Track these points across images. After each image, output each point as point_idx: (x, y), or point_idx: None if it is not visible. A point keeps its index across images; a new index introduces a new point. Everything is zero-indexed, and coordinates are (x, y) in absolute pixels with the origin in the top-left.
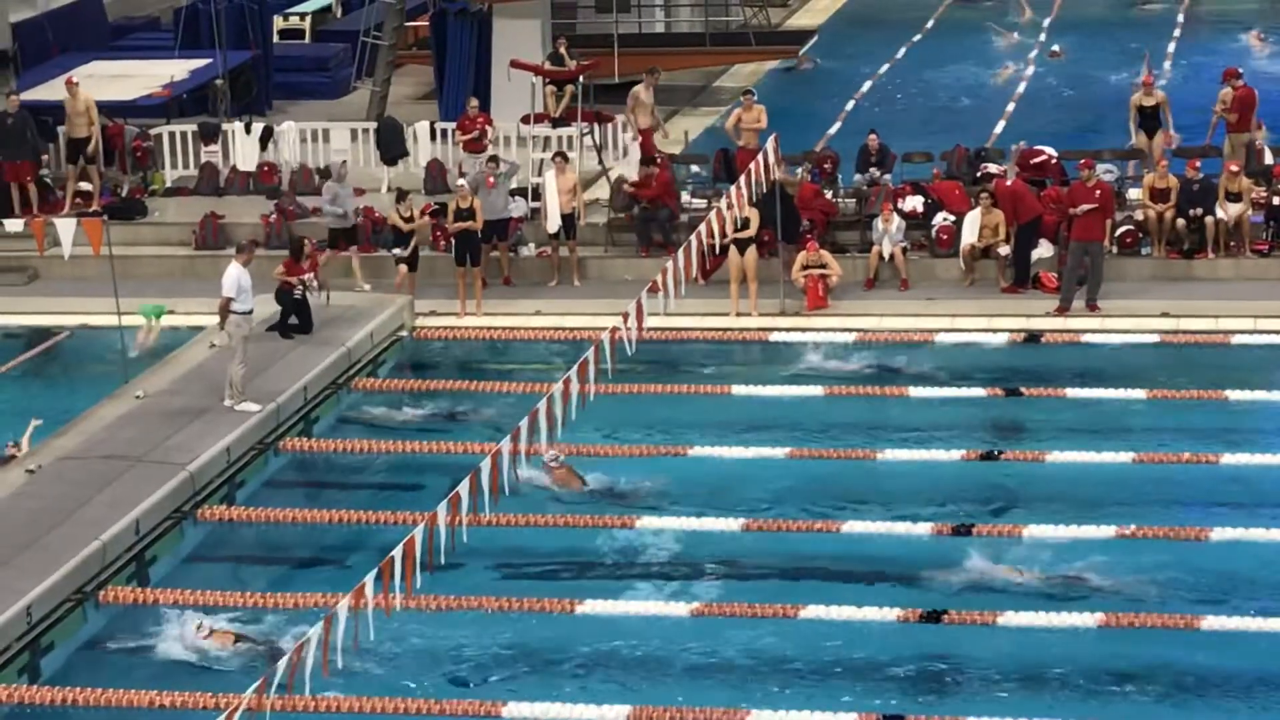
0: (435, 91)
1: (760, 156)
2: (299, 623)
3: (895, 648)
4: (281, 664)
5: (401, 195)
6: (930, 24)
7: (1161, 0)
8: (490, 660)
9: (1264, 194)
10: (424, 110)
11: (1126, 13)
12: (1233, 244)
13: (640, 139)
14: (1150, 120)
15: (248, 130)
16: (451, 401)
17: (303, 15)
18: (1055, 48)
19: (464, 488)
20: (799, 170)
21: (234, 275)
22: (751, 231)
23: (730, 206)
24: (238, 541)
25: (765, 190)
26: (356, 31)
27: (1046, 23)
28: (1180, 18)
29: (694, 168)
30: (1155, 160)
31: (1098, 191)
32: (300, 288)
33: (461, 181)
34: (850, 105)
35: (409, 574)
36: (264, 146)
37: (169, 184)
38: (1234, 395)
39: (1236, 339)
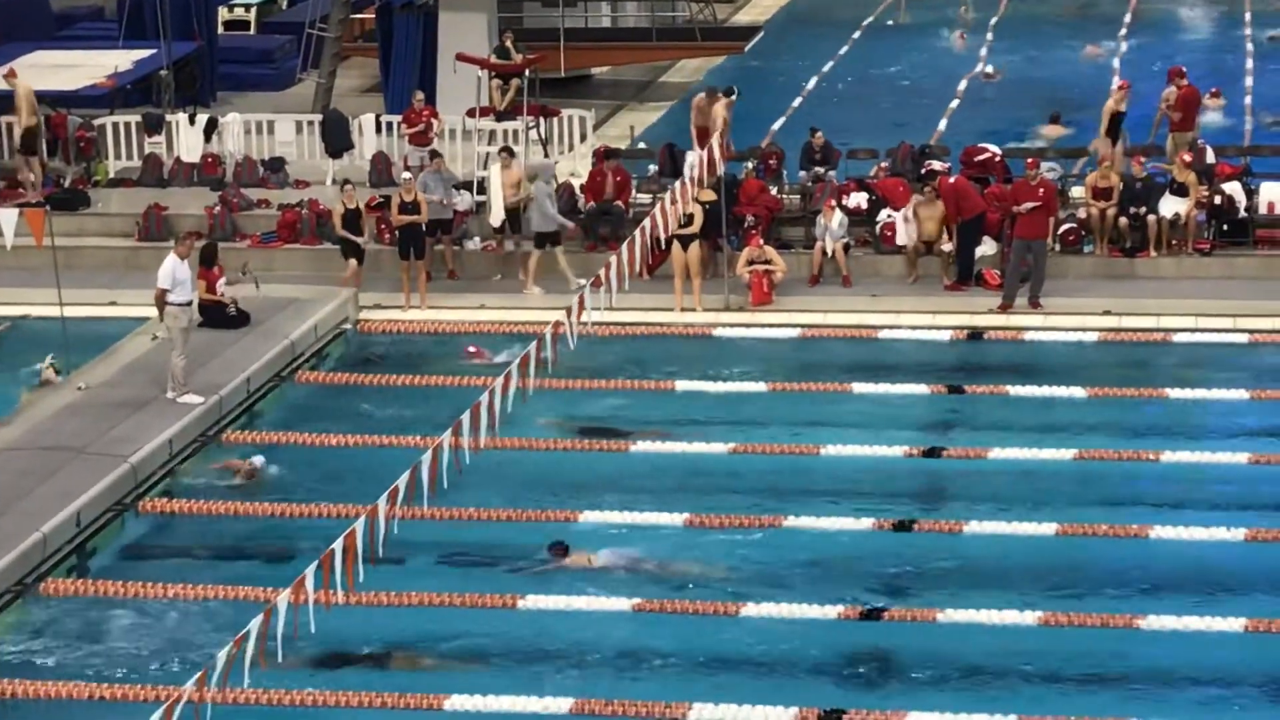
0: (381, 84)
1: (705, 152)
2: (239, 616)
3: (836, 644)
4: (221, 656)
5: (344, 185)
6: (871, 20)
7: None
8: (433, 654)
9: (1206, 193)
10: (369, 103)
11: (1078, 14)
12: (1175, 242)
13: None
14: (1117, 127)
15: (192, 121)
16: (394, 395)
17: (248, 6)
18: (989, 68)
19: (404, 481)
20: (746, 165)
21: (169, 267)
22: (696, 227)
23: (675, 202)
24: (179, 533)
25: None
26: (302, 23)
27: (993, 21)
28: (1128, 17)
29: (652, 166)
30: (1113, 165)
31: (1041, 189)
32: (232, 305)
33: (406, 174)
34: (796, 102)
35: (349, 567)
36: (208, 138)
37: (112, 175)
38: (1175, 393)
39: (1178, 337)
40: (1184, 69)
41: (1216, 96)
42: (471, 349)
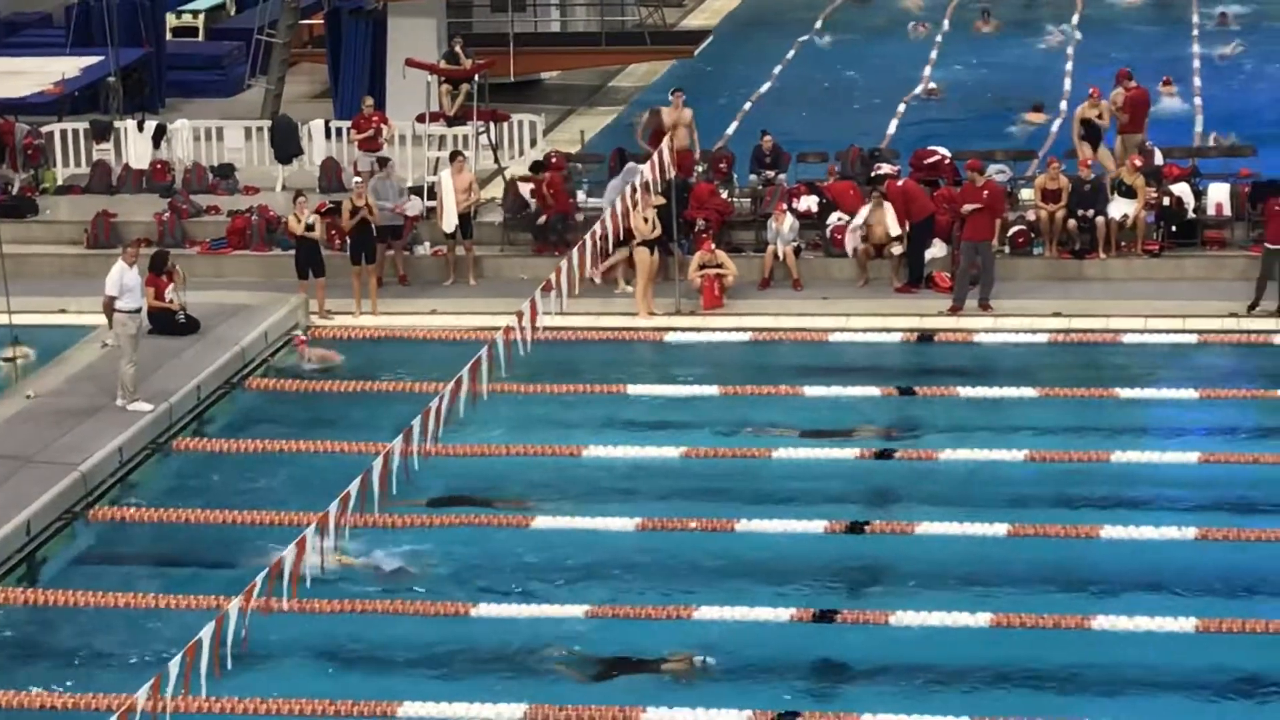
0: (330, 90)
1: (656, 156)
2: (191, 623)
3: (789, 647)
4: (173, 665)
5: (296, 197)
6: (820, 23)
7: None
8: (386, 661)
9: (1155, 194)
10: (319, 109)
11: (1024, 14)
12: (1124, 244)
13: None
14: (1094, 132)
15: (140, 128)
16: (345, 401)
17: (196, 13)
18: (933, 84)
19: (355, 487)
20: (697, 168)
21: (117, 274)
22: (658, 232)
23: (636, 206)
24: (129, 542)
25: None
26: (251, 29)
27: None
28: (1075, 19)
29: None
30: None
31: (985, 192)
32: (182, 313)
33: (357, 179)
34: (747, 106)
35: (295, 574)
36: (157, 144)
37: (60, 182)
38: (1125, 393)
39: (1127, 338)
40: (1130, 70)
41: (1169, 85)
42: (301, 336)
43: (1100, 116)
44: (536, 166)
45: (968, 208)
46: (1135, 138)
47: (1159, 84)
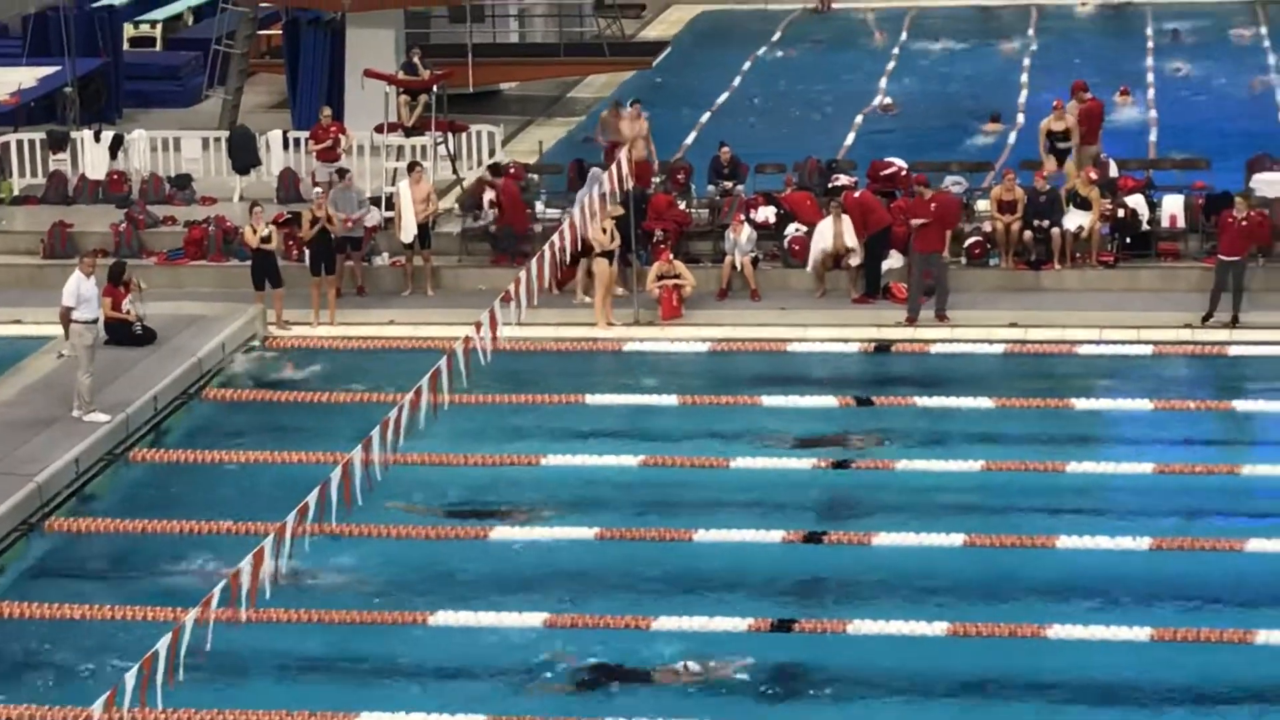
0: (288, 100)
1: (614, 167)
2: (146, 634)
3: (747, 657)
4: (130, 676)
5: (252, 208)
6: (778, 36)
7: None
8: (344, 671)
9: (1109, 206)
10: (277, 119)
11: (983, 25)
12: (1079, 256)
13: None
14: (1061, 144)
15: (97, 138)
16: (303, 411)
17: (154, 23)
18: (887, 100)
19: (313, 498)
20: (655, 179)
21: (74, 284)
22: (617, 243)
23: (594, 216)
24: (86, 553)
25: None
26: (208, 39)
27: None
28: (1031, 31)
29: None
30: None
31: (933, 204)
32: (139, 324)
33: (317, 190)
34: (705, 117)
35: (253, 586)
36: (114, 155)
37: (17, 192)
38: (1080, 404)
39: (1082, 349)
40: (1086, 83)
41: (1126, 94)
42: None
43: (1067, 130)
44: (495, 169)
45: (915, 222)
46: (1090, 150)
47: (1116, 94)
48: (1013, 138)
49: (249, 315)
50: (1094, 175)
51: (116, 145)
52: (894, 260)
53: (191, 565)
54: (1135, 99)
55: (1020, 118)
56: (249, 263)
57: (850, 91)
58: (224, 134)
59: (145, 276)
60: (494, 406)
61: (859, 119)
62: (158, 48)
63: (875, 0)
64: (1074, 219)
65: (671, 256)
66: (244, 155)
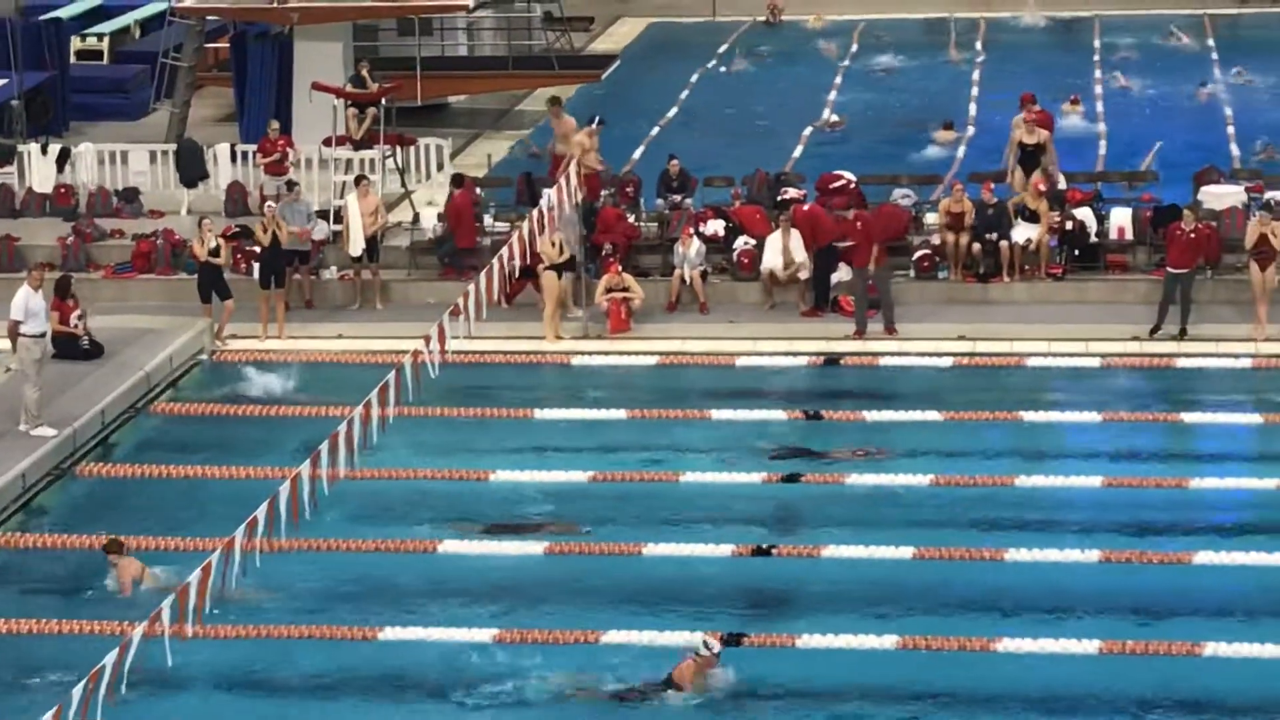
0: (236, 113)
1: (563, 180)
2: (94, 650)
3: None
4: (76, 692)
5: (200, 222)
6: (724, 48)
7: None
8: (291, 686)
9: (1058, 218)
10: (224, 132)
11: (937, 38)
12: (1027, 268)
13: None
14: (1030, 159)
15: (44, 151)
16: (252, 425)
17: (101, 36)
18: (835, 117)
19: (262, 512)
20: (602, 194)
21: (22, 298)
22: (566, 256)
23: (543, 231)
24: (33, 567)
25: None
26: (155, 53)
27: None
28: (979, 43)
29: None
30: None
31: (858, 224)
32: (86, 338)
33: (270, 204)
34: (654, 131)
35: (200, 600)
36: (61, 168)
37: None
38: (1029, 417)
39: (1031, 361)
40: (1034, 95)
41: (1076, 103)
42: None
43: (1039, 143)
44: (459, 179)
45: (843, 245)
46: (1011, 158)
47: (1065, 102)
48: (961, 151)
49: (197, 329)
50: (1042, 187)
51: (63, 158)
52: (843, 273)
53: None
54: (1084, 109)
55: (970, 130)
56: (196, 276)
57: (799, 104)
58: (171, 147)
59: (92, 290)
60: (443, 421)
61: (807, 132)
62: (105, 61)
63: (825, 13)
64: (1022, 231)
65: (620, 269)
66: (192, 168)
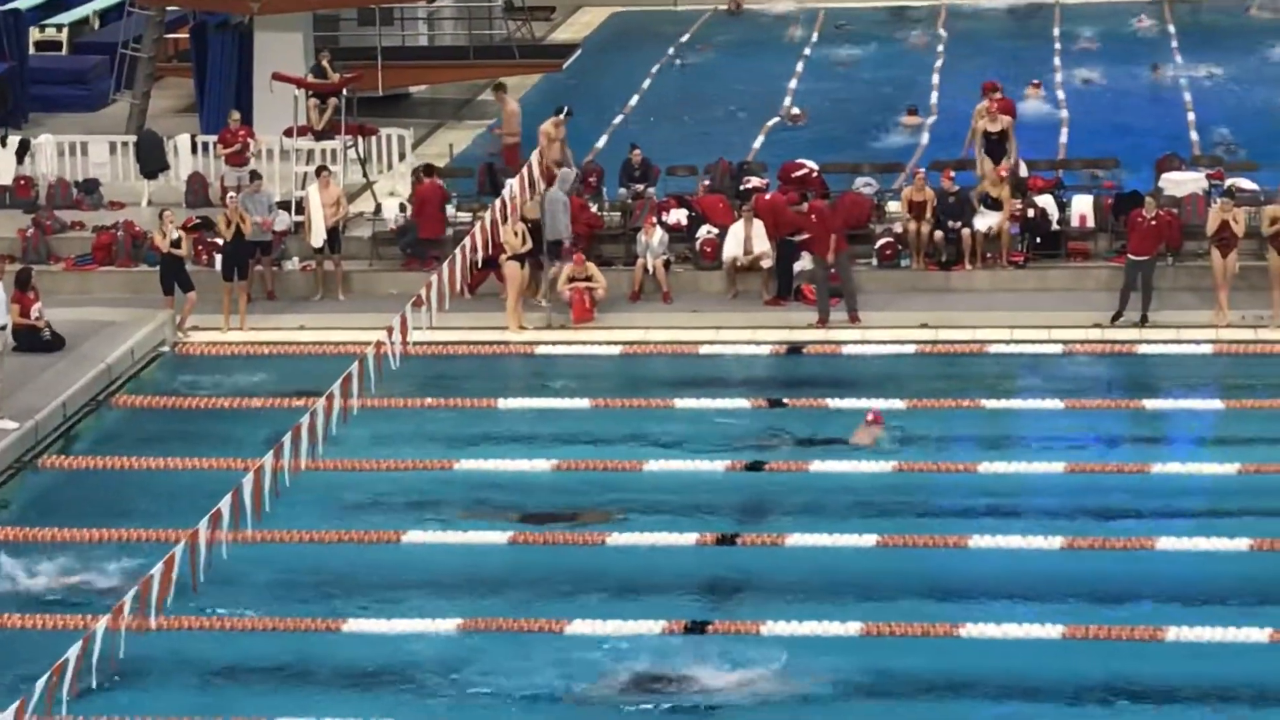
0: (196, 104)
1: (525, 170)
2: (57, 643)
3: (661, 660)
4: (39, 685)
5: (162, 214)
6: (686, 37)
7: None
8: (255, 677)
9: (1019, 206)
10: (185, 123)
11: (893, 25)
12: (989, 255)
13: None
14: (996, 146)
15: (3, 143)
16: (214, 417)
17: (60, 27)
18: (796, 110)
19: (226, 504)
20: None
21: None
22: (528, 246)
23: (505, 220)
24: None
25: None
26: (115, 43)
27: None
28: (943, 32)
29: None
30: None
31: (813, 216)
32: (46, 329)
33: (232, 195)
34: (617, 120)
35: (163, 592)
36: (20, 160)
37: None
38: (991, 404)
39: (993, 349)
40: (997, 83)
41: (1037, 87)
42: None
43: (1003, 131)
44: (428, 170)
45: (799, 238)
46: (977, 147)
47: (1027, 87)
48: (925, 138)
49: (158, 321)
50: (1003, 174)
51: (23, 150)
52: (805, 262)
53: (102, 573)
54: (1045, 93)
55: (931, 118)
56: (158, 268)
57: (761, 93)
58: (132, 138)
59: (53, 282)
60: (406, 411)
61: (770, 123)
62: (64, 52)
63: (787, 1)
64: (984, 219)
65: (584, 259)
66: (152, 160)
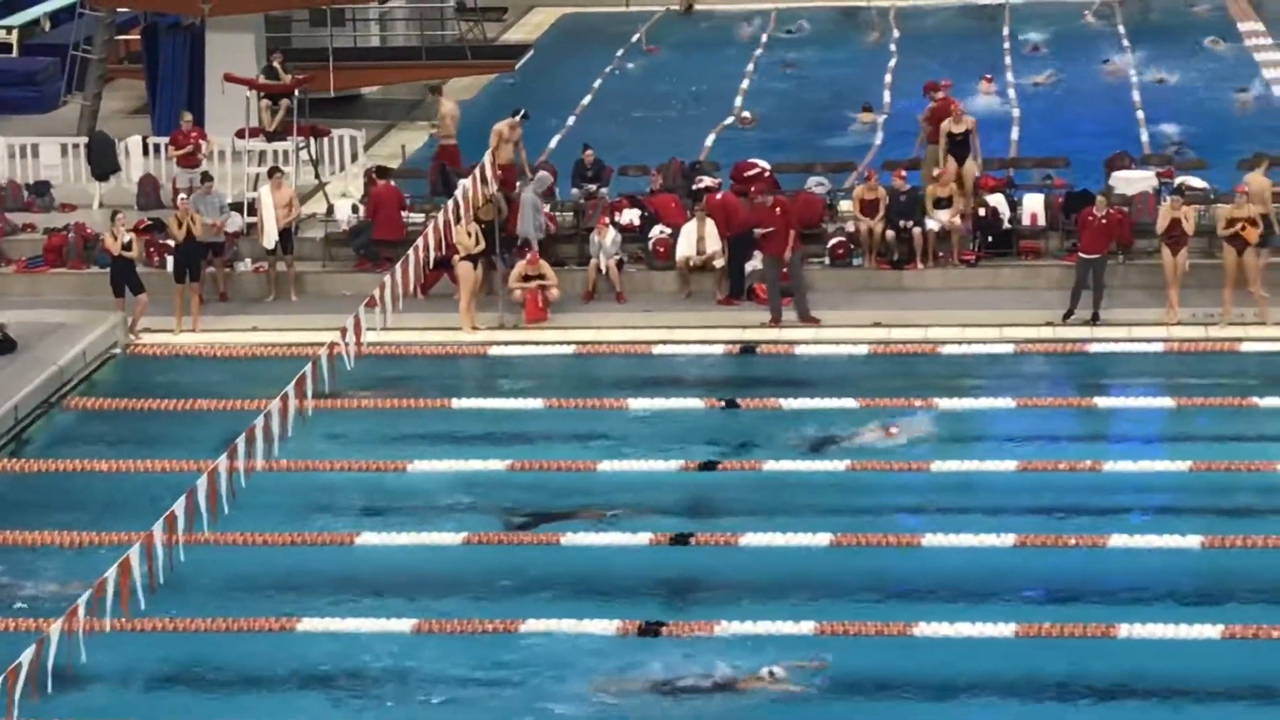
0: (148, 106)
1: (477, 170)
2: (10, 647)
3: (614, 660)
4: None
5: (114, 216)
6: (638, 37)
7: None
8: (210, 680)
9: (963, 206)
10: (136, 125)
11: (844, 25)
12: (940, 254)
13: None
14: (960, 147)
15: None
16: (167, 420)
17: (9, 28)
18: (746, 113)
19: (180, 506)
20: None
21: None
22: (482, 246)
23: (458, 221)
24: None
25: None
26: (66, 45)
27: (764, 38)
28: (895, 33)
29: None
30: (967, 189)
31: (777, 210)
32: (1, 333)
33: (183, 196)
34: (570, 120)
35: (124, 595)
36: None
37: None
38: (944, 403)
39: (946, 348)
40: (937, 82)
41: (990, 82)
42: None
43: (968, 130)
44: (381, 171)
45: (759, 232)
46: (939, 148)
47: (980, 81)
48: (879, 138)
49: (110, 323)
50: (937, 173)
51: None
52: (758, 261)
53: (56, 575)
54: (998, 86)
55: (883, 118)
56: (109, 270)
57: (713, 92)
58: (83, 140)
59: (4, 284)
60: (359, 412)
61: (724, 123)
62: (14, 53)
63: (738, 2)
64: (936, 218)
65: (539, 258)
66: (103, 161)
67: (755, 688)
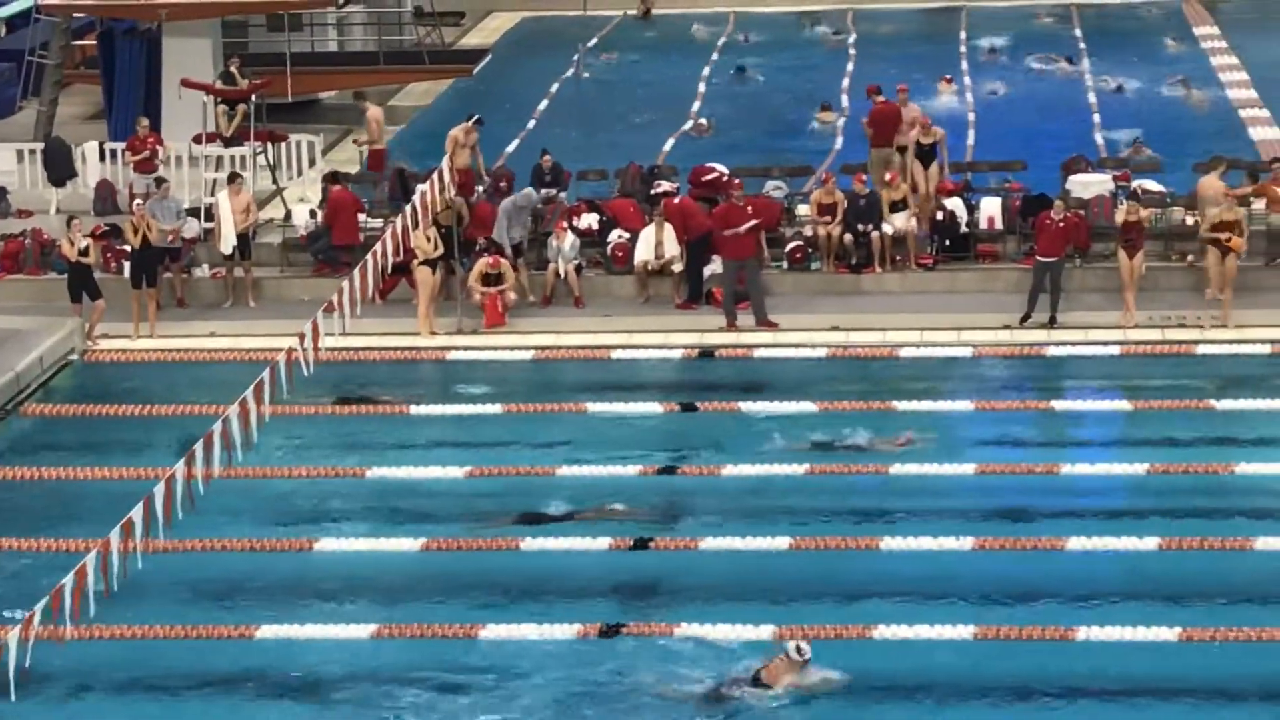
0: (104, 111)
1: (436, 175)
2: None
3: (574, 663)
4: None
5: (70, 221)
6: (595, 42)
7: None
8: (169, 687)
9: (918, 209)
10: (93, 130)
11: (800, 34)
12: (899, 258)
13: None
14: (928, 156)
15: None
16: (125, 426)
17: None
18: (703, 120)
19: (138, 513)
20: (478, 188)
21: None
22: (440, 251)
23: (417, 226)
24: None
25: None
26: (22, 50)
27: (721, 42)
28: (852, 37)
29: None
30: (931, 196)
31: (749, 208)
32: None
33: (138, 201)
34: (530, 124)
35: (77, 602)
36: None
37: None
38: (902, 406)
39: (904, 351)
40: (879, 86)
41: (949, 82)
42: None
43: (936, 140)
44: (335, 176)
45: (745, 228)
46: (883, 152)
47: (940, 81)
48: (839, 142)
49: (67, 329)
50: (889, 177)
51: None
52: (716, 265)
53: (13, 583)
54: (956, 87)
55: (841, 120)
56: (66, 276)
57: (671, 96)
58: (39, 146)
59: None
60: (318, 418)
61: (682, 130)
62: None
63: (697, 6)
64: (890, 222)
65: (499, 259)
66: (60, 167)
67: (712, 691)
